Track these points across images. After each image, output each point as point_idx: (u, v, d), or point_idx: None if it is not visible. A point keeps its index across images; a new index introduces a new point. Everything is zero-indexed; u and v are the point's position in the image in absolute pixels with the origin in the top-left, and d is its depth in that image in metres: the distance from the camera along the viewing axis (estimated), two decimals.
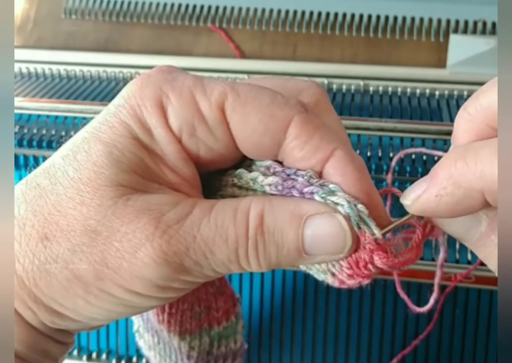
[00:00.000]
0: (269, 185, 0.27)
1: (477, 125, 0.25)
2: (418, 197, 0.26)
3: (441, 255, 0.32)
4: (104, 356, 0.54)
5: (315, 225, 0.26)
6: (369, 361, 0.50)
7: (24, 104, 0.56)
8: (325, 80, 0.58)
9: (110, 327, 0.54)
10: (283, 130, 0.26)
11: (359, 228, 0.26)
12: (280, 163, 0.28)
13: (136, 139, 0.27)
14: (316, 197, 0.26)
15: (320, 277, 0.29)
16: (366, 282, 0.27)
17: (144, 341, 0.42)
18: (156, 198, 0.26)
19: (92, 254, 0.26)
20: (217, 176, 0.30)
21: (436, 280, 0.33)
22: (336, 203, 0.26)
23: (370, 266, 0.26)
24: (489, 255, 0.26)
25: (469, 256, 0.47)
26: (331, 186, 0.26)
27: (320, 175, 0.27)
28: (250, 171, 0.28)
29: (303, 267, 0.30)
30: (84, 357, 0.54)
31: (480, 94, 0.25)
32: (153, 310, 0.39)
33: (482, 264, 0.47)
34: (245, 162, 0.29)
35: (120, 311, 0.27)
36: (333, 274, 0.28)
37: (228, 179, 0.29)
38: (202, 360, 0.41)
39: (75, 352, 0.54)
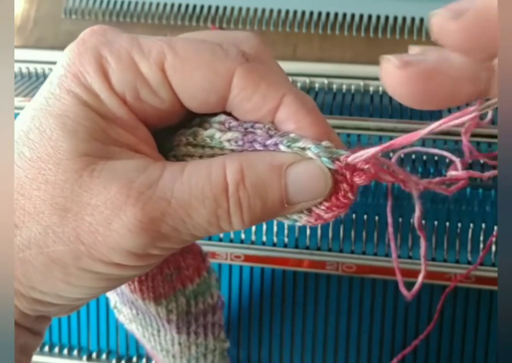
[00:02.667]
0: (229, 140, 0.27)
1: None
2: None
3: (417, 213, 0.30)
4: (104, 356, 0.54)
5: (296, 173, 0.26)
6: (369, 361, 0.50)
7: (24, 104, 0.55)
8: (325, 80, 0.58)
9: (110, 327, 0.54)
10: (227, 84, 0.26)
11: (333, 161, 0.26)
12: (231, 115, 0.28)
13: (86, 105, 0.26)
14: (282, 147, 0.26)
15: (291, 219, 0.28)
16: (342, 213, 0.28)
17: (123, 316, 0.42)
18: (122, 165, 0.25)
19: (65, 233, 0.25)
20: (167, 137, 0.29)
21: (422, 251, 0.32)
22: (303, 148, 0.26)
23: (349, 194, 0.27)
24: None
25: (469, 256, 0.47)
26: (292, 135, 0.26)
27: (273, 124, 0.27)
28: (205, 129, 0.28)
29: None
30: (84, 357, 0.54)
31: None
32: None
33: (482, 264, 0.47)
34: (195, 120, 0.29)
35: (103, 286, 0.27)
36: (309, 210, 0.28)
37: (181, 138, 0.28)
38: (183, 321, 0.40)
39: (75, 352, 0.54)
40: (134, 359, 0.54)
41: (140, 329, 0.42)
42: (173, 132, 0.29)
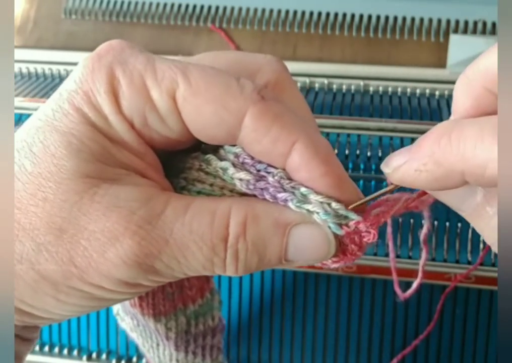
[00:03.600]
0: (240, 180, 0.26)
1: (474, 88, 0.24)
2: (398, 167, 0.25)
3: (424, 231, 0.31)
4: (104, 356, 0.54)
5: (300, 235, 0.26)
6: (369, 361, 0.50)
7: (24, 104, 0.56)
8: (325, 80, 0.58)
9: (110, 327, 0.54)
10: (238, 123, 0.25)
11: (341, 226, 0.26)
12: None
13: (93, 126, 0.25)
14: (291, 205, 0.25)
15: None
16: (351, 263, 0.28)
17: (125, 324, 0.41)
18: (125, 193, 0.25)
19: (58, 253, 0.24)
20: (180, 157, 0.29)
21: (421, 262, 0.33)
22: (312, 212, 0.25)
23: (358, 253, 0.27)
24: (485, 227, 0.26)
25: (469, 256, 0.47)
26: (302, 189, 0.26)
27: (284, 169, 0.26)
28: (219, 157, 0.27)
29: None
30: (84, 357, 0.54)
31: (478, 59, 0.24)
32: None
33: (482, 264, 0.47)
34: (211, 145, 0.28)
35: (92, 305, 0.27)
36: None
37: (194, 162, 0.28)
38: (181, 339, 0.40)
39: (75, 352, 0.54)
40: (134, 359, 0.54)
41: (140, 339, 0.42)
42: (186, 151, 0.29)
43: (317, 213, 0.25)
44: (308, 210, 0.25)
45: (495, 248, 0.26)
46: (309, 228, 0.26)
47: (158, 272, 0.25)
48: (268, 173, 0.26)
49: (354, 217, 0.26)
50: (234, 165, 0.27)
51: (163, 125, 0.26)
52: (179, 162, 0.29)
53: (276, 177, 0.26)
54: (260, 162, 0.26)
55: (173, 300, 0.38)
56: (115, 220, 0.24)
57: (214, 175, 0.27)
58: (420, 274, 0.32)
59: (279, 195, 0.26)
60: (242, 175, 0.26)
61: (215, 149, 0.28)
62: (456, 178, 0.23)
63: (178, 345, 0.40)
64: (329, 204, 0.25)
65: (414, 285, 0.33)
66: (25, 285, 0.25)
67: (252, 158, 0.27)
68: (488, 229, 0.26)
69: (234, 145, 0.27)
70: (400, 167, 0.25)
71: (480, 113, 0.24)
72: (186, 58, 0.29)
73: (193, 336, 0.40)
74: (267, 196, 0.26)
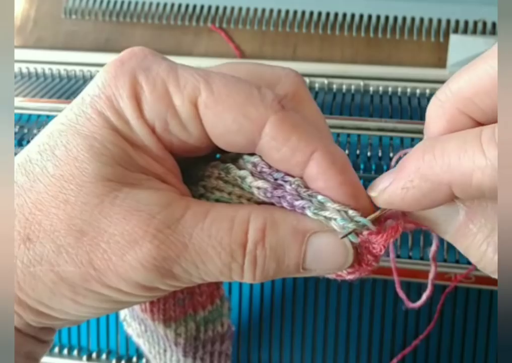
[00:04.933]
0: (258, 188, 0.27)
1: (447, 110, 0.25)
2: (384, 188, 0.25)
3: (433, 248, 0.32)
4: (104, 356, 0.54)
5: (318, 243, 0.26)
6: (369, 361, 0.50)
7: (24, 104, 0.56)
8: (325, 80, 0.58)
9: (110, 327, 0.54)
10: (258, 131, 0.26)
11: (357, 234, 0.26)
12: None
13: (115, 130, 0.26)
14: (308, 212, 0.26)
15: None
16: (365, 275, 0.28)
17: (132, 329, 0.42)
18: (146, 197, 0.25)
19: (78, 256, 0.25)
20: (199, 165, 0.29)
21: (430, 276, 0.34)
22: (329, 218, 0.26)
23: (373, 263, 0.27)
24: (469, 245, 0.26)
25: None
26: (319, 197, 0.26)
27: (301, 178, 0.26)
28: (238, 166, 0.28)
29: None
30: (84, 357, 0.54)
31: (449, 81, 0.24)
32: None
33: None
34: (230, 153, 0.28)
35: (108, 307, 0.27)
36: None
37: (213, 170, 0.28)
38: (190, 345, 0.40)
39: (75, 352, 0.54)
40: (134, 359, 0.54)
41: (147, 345, 0.42)
42: (204, 159, 0.29)
43: (334, 219, 0.26)
44: (325, 217, 0.26)
45: (480, 266, 0.26)
46: (328, 236, 0.26)
47: (176, 276, 0.25)
48: (286, 181, 0.26)
49: (369, 225, 0.26)
50: (252, 174, 0.27)
51: (184, 131, 0.26)
52: (198, 170, 0.29)
53: (293, 185, 0.26)
54: (277, 171, 0.27)
55: (183, 306, 0.39)
56: (135, 223, 0.25)
57: (233, 184, 0.28)
58: (429, 287, 0.33)
59: (297, 202, 0.26)
60: (260, 183, 0.27)
61: (234, 158, 0.28)
62: (443, 191, 0.23)
63: (187, 351, 0.40)
64: (346, 212, 0.26)
65: (424, 297, 0.33)
66: (44, 286, 0.25)
67: (270, 167, 0.27)
68: (472, 247, 0.26)
69: (252, 155, 0.27)
70: (387, 188, 0.25)
71: None
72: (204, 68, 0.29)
73: (201, 342, 0.41)
74: (285, 204, 0.26)
